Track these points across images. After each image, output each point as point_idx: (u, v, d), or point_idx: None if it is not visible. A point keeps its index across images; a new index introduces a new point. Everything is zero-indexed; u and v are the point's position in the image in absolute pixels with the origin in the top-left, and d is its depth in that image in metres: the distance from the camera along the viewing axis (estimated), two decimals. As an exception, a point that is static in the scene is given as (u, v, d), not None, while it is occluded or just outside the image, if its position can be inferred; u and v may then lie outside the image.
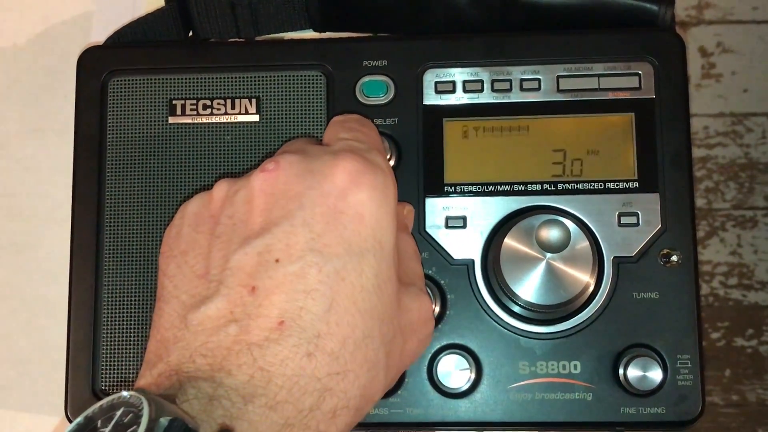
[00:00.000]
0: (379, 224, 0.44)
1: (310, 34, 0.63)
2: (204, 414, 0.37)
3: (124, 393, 0.36)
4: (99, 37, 0.62)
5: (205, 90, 0.57)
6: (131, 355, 0.55)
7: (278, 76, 0.57)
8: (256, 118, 0.56)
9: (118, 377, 0.55)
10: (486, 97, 0.56)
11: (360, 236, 0.43)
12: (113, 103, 0.57)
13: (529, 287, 0.51)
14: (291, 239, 0.42)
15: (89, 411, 0.36)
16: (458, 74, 0.56)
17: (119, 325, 0.55)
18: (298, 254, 0.42)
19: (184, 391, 0.38)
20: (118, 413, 0.35)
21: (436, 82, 0.56)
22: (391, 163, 0.55)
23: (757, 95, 1.45)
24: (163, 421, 0.34)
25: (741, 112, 1.45)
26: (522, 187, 0.55)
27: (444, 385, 0.53)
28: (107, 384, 0.55)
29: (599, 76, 0.56)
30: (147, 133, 0.57)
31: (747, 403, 1.41)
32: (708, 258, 1.43)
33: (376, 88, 0.56)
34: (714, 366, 1.41)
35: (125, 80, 0.57)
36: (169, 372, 0.40)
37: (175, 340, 0.42)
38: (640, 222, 0.54)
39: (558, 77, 0.56)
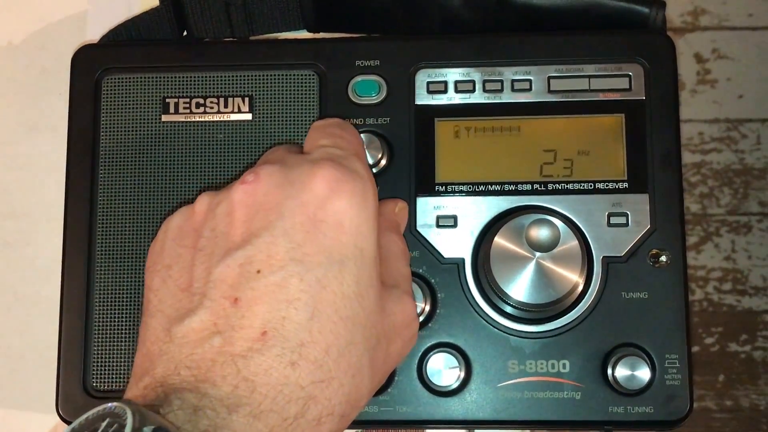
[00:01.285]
0: (359, 231, 0.44)
1: (303, 34, 0.64)
2: (189, 424, 0.38)
3: (110, 404, 0.37)
4: (94, 35, 0.63)
5: (198, 88, 0.57)
6: (122, 352, 0.55)
7: (271, 75, 0.57)
8: (248, 116, 0.57)
9: (109, 374, 0.55)
10: (477, 98, 0.56)
11: (340, 244, 0.43)
12: (107, 101, 0.57)
13: (518, 286, 0.52)
14: (272, 250, 0.42)
15: (75, 423, 0.37)
16: (450, 74, 0.56)
17: (111, 322, 0.55)
18: (279, 264, 0.42)
19: (170, 403, 0.39)
20: (103, 424, 0.36)
21: (428, 82, 0.56)
22: (383, 162, 0.55)
23: (752, 101, 1.45)
24: (147, 430, 0.35)
25: (736, 118, 1.46)
26: (513, 187, 0.55)
27: (434, 384, 0.54)
28: (98, 381, 0.55)
29: (590, 77, 0.56)
30: (140, 130, 0.57)
31: (740, 409, 1.41)
32: (702, 263, 1.44)
33: (368, 88, 0.57)
34: (707, 371, 1.41)
35: (119, 78, 0.58)
36: (155, 384, 0.41)
37: (160, 353, 0.42)
38: (630, 222, 0.54)
39: (549, 78, 0.56)
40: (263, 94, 0.57)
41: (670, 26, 1.54)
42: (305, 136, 0.56)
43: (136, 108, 0.57)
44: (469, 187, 0.55)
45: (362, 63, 0.57)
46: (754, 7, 1.47)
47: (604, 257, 0.54)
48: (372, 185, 0.46)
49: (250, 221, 0.43)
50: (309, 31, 0.63)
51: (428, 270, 0.55)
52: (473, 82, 0.56)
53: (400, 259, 0.50)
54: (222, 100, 0.57)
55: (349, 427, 0.58)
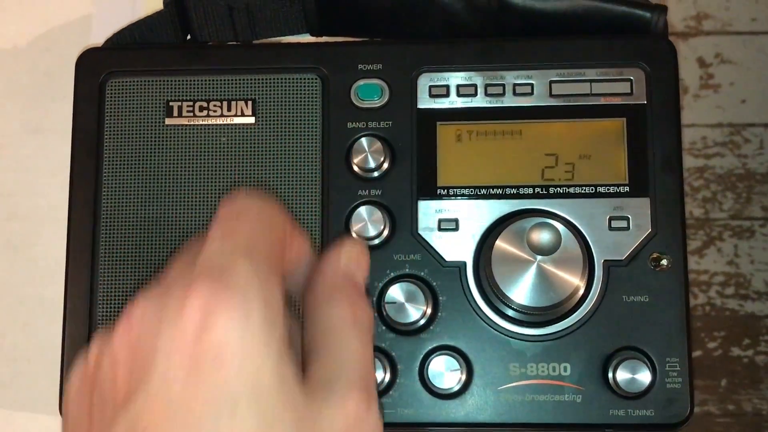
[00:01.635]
0: (247, 358, 0.36)
1: (306, 38, 0.64)
2: None
3: None
4: (98, 39, 0.63)
5: (201, 92, 0.57)
6: (126, 353, 0.55)
7: (274, 79, 0.57)
8: (251, 120, 0.57)
9: (112, 375, 0.55)
10: (479, 102, 0.56)
11: (226, 383, 0.35)
12: (111, 104, 0.58)
13: (519, 289, 0.52)
14: (152, 405, 0.36)
15: None
16: (452, 78, 0.57)
17: (114, 322, 0.55)
18: (162, 422, 0.35)
19: None
20: None
21: (430, 86, 0.57)
22: (385, 166, 0.56)
23: (755, 106, 1.46)
24: None
25: (739, 122, 1.46)
26: (514, 191, 0.55)
27: (435, 386, 0.54)
28: (101, 382, 0.55)
29: (591, 81, 0.56)
30: (144, 133, 0.57)
31: (743, 413, 1.41)
32: (705, 268, 1.44)
33: (370, 92, 0.57)
34: (710, 375, 1.41)
35: (123, 81, 0.58)
36: None
37: None
38: (631, 226, 0.54)
39: (551, 82, 0.56)
40: (266, 98, 0.57)
41: (674, 31, 1.54)
42: (307, 139, 0.56)
43: (140, 111, 0.57)
44: (471, 191, 0.55)
45: (365, 67, 0.57)
46: (758, 12, 1.47)
47: (605, 261, 0.54)
48: (260, 292, 0.37)
49: (131, 372, 0.38)
50: (312, 35, 0.64)
51: (430, 273, 0.55)
52: (475, 86, 0.57)
53: (346, 336, 0.41)
54: (225, 103, 0.57)
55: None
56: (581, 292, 0.53)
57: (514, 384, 0.54)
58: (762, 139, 1.45)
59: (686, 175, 1.45)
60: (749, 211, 1.44)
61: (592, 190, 0.55)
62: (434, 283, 0.55)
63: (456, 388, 0.54)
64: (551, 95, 0.56)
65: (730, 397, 1.41)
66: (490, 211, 0.55)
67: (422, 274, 0.55)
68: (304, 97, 0.57)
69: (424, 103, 0.57)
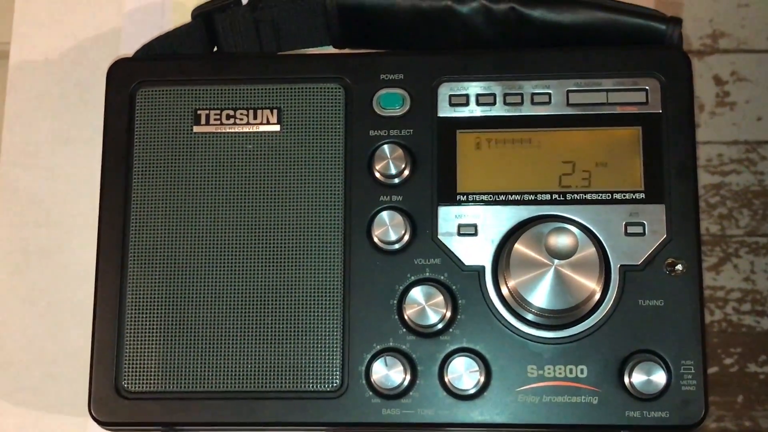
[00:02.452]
0: None
1: (329, 50, 0.65)
2: None
3: None
4: (127, 51, 0.65)
5: (228, 101, 0.59)
6: (153, 354, 0.57)
7: (299, 89, 0.59)
8: (277, 128, 0.59)
9: (140, 376, 0.57)
10: (498, 110, 0.58)
11: None
12: (140, 113, 0.59)
13: (537, 293, 0.53)
14: None
15: None
16: (472, 88, 0.58)
17: (142, 326, 0.57)
18: None
19: None
20: None
21: (451, 95, 0.58)
22: (406, 173, 0.57)
23: (771, 123, 1.46)
24: None
25: (755, 139, 1.46)
26: (532, 197, 0.57)
27: (454, 387, 0.55)
28: (129, 382, 0.57)
29: (608, 91, 0.58)
30: (172, 141, 0.59)
31: (760, 429, 1.41)
32: (721, 284, 1.44)
33: (392, 101, 0.58)
34: (727, 392, 1.41)
35: (152, 91, 0.60)
36: None
37: None
38: (647, 232, 0.56)
39: (568, 92, 0.58)
40: (291, 107, 0.59)
41: (690, 49, 1.55)
42: (331, 146, 0.58)
43: (169, 119, 0.59)
44: (490, 197, 0.57)
45: (387, 77, 0.59)
46: (773, 31, 1.48)
47: (621, 266, 0.55)
48: None
49: None
50: (335, 47, 0.65)
51: (449, 277, 0.56)
52: (494, 95, 0.58)
53: None
54: (251, 111, 0.59)
55: (372, 429, 0.60)
56: (598, 296, 0.54)
57: (531, 386, 0.55)
58: (778, 157, 1.45)
59: (702, 192, 1.45)
60: (766, 227, 1.44)
61: (609, 196, 0.56)
62: (454, 287, 0.56)
63: (474, 390, 0.55)
64: (568, 104, 0.58)
65: (746, 414, 1.41)
66: (508, 216, 0.56)
67: (442, 277, 0.56)
68: (328, 106, 0.59)
69: (445, 111, 0.58)
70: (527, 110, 0.58)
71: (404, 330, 0.56)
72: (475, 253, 0.56)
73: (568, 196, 0.56)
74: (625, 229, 0.56)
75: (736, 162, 1.46)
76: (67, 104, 0.68)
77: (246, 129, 0.59)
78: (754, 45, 1.48)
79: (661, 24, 0.59)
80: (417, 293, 0.55)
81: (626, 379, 0.54)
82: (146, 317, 0.57)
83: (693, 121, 0.57)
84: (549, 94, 0.58)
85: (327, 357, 0.56)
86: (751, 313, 1.43)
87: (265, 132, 0.59)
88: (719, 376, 1.42)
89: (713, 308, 1.43)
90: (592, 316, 0.55)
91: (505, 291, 0.55)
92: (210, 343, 0.57)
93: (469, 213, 0.57)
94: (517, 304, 0.55)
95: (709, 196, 1.46)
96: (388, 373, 0.55)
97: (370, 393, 0.55)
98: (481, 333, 0.56)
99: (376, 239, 0.57)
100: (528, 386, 0.55)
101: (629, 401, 0.54)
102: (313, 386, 0.56)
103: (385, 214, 0.57)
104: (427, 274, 0.56)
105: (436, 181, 0.57)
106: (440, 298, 0.55)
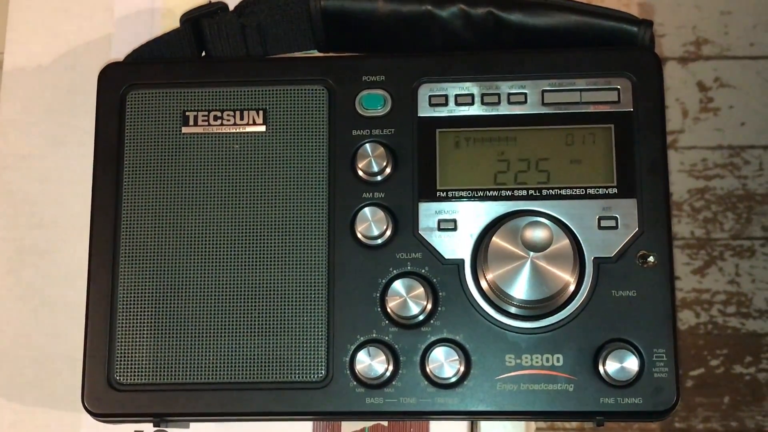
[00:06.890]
0: None
1: (314, 54, 0.67)
2: None
3: None
4: (118, 57, 0.66)
5: (215, 102, 0.61)
6: (144, 348, 0.58)
7: (284, 90, 0.61)
8: (263, 128, 0.61)
9: (132, 369, 0.58)
10: (476, 110, 0.60)
11: None
12: (131, 115, 0.61)
13: (514, 284, 0.55)
14: None
15: None
16: (450, 88, 0.60)
17: (133, 321, 0.59)
18: None
19: None
20: None
21: (430, 96, 0.60)
22: (387, 170, 0.59)
23: (754, 128, 1.49)
24: None
25: (738, 144, 1.49)
26: (509, 193, 0.58)
27: (435, 376, 0.57)
28: (122, 375, 0.58)
29: (581, 90, 0.60)
30: (162, 142, 0.61)
31: (746, 430, 1.43)
32: (707, 287, 1.46)
33: (374, 101, 0.60)
34: (713, 393, 1.43)
35: (142, 93, 0.62)
36: None
37: None
38: (619, 225, 0.58)
39: (543, 91, 0.60)
40: (276, 108, 0.61)
41: (674, 56, 1.57)
42: (315, 146, 0.60)
43: (158, 121, 0.61)
44: (469, 193, 0.59)
45: (369, 78, 0.61)
46: (756, 37, 1.51)
47: (595, 258, 0.57)
48: None
49: None
50: (319, 51, 0.67)
51: (430, 270, 0.58)
52: (472, 95, 0.60)
53: None
54: (238, 113, 0.61)
55: (355, 419, 0.62)
56: (572, 287, 0.56)
57: (510, 374, 0.57)
58: (761, 161, 1.48)
59: (687, 196, 1.48)
60: (749, 231, 1.47)
61: (582, 191, 0.58)
62: (434, 280, 0.58)
63: (455, 379, 0.57)
64: (543, 103, 0.60)
65: (733, 414, 1.43)
66: (486, 211, 0.58)
67: (423, 271, 0.58)
68: (312, 107, 0.61)
69: (425, 111, 0.60)
70: (504, 110, 0.60)
71: (387, 322, 0.58)
72: (455, 247, 0.58)
73: (544, 192, 0.58)
74: (599, 222, 0.58)
75: (720, 166, 1.48)
76: (59, 108, 0.70)
77: (233, 129, 0.61)
78: (737, 51, 1.51)
79: (633, 26, 0.62)
80: (399, 286, 0.57)
81: (601, 367, 0.56)
82: (137, 313, 0.59)
83: (664, 119, 0.59)
84: (525, 94, 0.60)
85: (312, 348, 0.58)
86: (737, 315, 1.45)
87: (251, 132, 0.61)
88: (706, 378, 1.44)
89: (699, 311, 1.46)
90: (568, 307, 0.57)
91: (483, 283, 0.57)
92: (199, 337, 0.58)
93: (448, 209, 0.59)
94: (495, 295, 0.57)
95: (694, 201, 1.49)
96: (372, 363, 0.56)
97: (354, 383, 0.57)
98: (460, 324, 0.57)
99: (359, 234, 0.58)
100: (506, 375, 0.57)
101: (604, 388, 0.56)
102: (299, 377, 0.58)
103: (367, 210, 0.58)
104: (409, 267, 0.58)
105: (417, 179, 0.59)
106: (421, 291, 0.57)
